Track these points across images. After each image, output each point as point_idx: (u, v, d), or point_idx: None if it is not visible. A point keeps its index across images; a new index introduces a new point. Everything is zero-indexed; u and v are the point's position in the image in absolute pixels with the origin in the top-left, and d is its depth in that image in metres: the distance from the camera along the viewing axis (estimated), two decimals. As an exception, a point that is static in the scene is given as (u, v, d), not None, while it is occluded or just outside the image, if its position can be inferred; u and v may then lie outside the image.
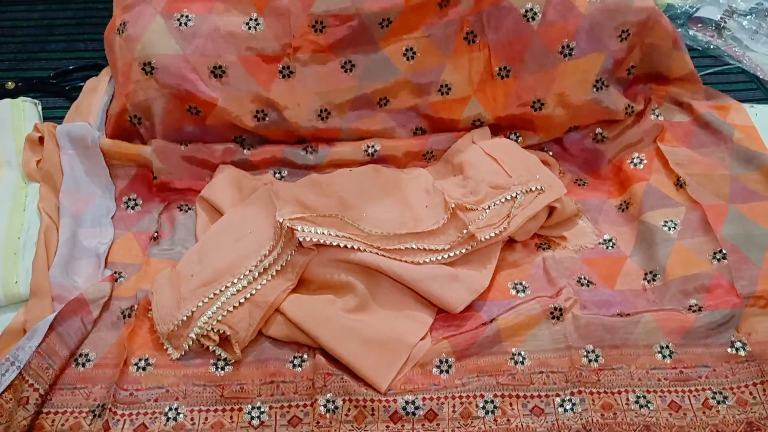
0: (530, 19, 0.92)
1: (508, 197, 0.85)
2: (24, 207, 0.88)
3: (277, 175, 0.95)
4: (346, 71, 0.93)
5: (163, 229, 0.90)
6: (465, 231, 0.81)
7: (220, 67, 0.90)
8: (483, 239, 0.81)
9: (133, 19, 0.90)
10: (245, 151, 0.95)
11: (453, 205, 0.83)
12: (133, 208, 0.92)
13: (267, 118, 0.93)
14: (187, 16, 0.89)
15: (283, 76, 0.92)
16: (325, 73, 0.93)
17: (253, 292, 0.77)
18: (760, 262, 0.82)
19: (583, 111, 0.97)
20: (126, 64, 0.91)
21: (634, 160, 0.97)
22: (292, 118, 0.93)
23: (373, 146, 0.96)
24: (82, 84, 1.05)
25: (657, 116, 0.99)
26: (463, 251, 0.81)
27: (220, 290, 0.77)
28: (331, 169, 0.94)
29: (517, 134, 0.99)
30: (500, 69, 0.95)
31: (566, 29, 0.92)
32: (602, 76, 0.95)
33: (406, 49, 0.93)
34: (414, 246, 0.81)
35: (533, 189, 0.86)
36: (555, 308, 0.78)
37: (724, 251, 0.83)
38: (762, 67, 1.17)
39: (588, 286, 0.83)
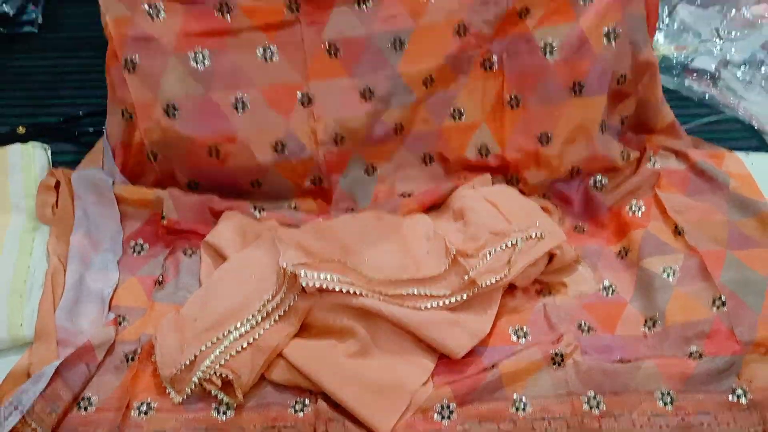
0: (547, 54, 0.94)
1: (509, 244, 0.86)
2: (31, 251, 0.89)
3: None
4: (365, 99, 0.95)
5: (168, 273, 0.91)
6: (466, 277, 0.82)
7: (242, 99, 0.91)
8: (484, 285, 0.82)
9: (143, 58, 0.91)
10: (256, 213, 0.96)
11: (454, 252, 0.83)
12: (139, 252, 0.93)
13: (285, 150, 0.94)
14: (202, 54, 0.90)
15: (303, 104, 0.94)
16: (344, 99, 0.94)
17: (256, 336, 0.77)
18: (758, 308, 0.82)
19: (587, 152, 0.98)
20: (145, 103, 0.92)
21: (633, 208, 0.98)
22: (310, 146, 0.95)
23: None
24: (90, 129, 1.07)
25: (654, 164, 1.01)
26: (464, 297, 0.82)
27: (224, 334, 0.77)
28: None
29: (518, 179, 1.01)
30: (511, 98, 0.97)
31: (580, 68, 0.94)
32: (605, 118, 0.98)
33: (426, 78, 0.95)
34: (415, 292, 0.81)
35: (533, 236, 0.87)
36: (556, 354, 0.78)
37: (724, 298, 0.83)
38: (757, 117, 1.19)
39: (588, 332, 0.84)
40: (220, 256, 0.90)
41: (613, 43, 0.94)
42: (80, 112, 1.13)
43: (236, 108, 0.91)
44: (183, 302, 0.85)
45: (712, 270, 0.86)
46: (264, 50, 0.92)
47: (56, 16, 1.37)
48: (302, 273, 0.77)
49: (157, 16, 0.90)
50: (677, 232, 0.92)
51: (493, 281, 0.82)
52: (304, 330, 0.81)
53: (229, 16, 0.90)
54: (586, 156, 0.99)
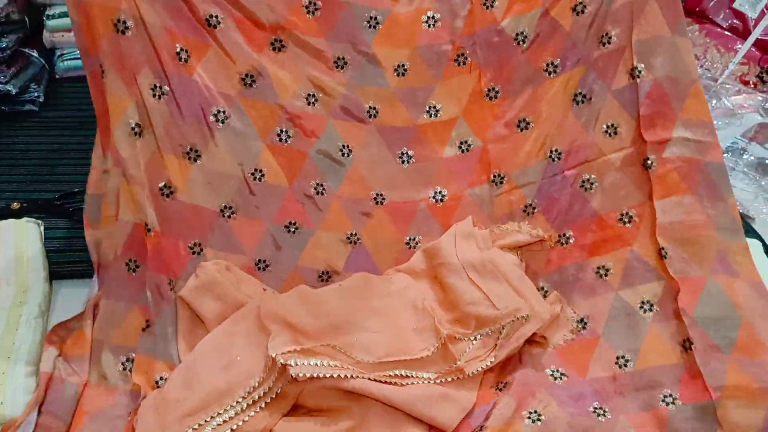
0: (520, 43, 0.95)
1: (494, 329, 0.85)
2: (17, 326, 0.88)
3: (259, 258, 0.95)
4: (338, 67, 0.95)
5: (154, 311, 0.88)
6: (454, 365, 0.82)
7: (216, 17, 0.90)
8: (470, 374, 0.82)
9: None
10: (228, 219, 0.93)
11: (445, 335, 0.84)
12: (134, 271, 0.89)
13: (254, 85, 0.93)
14: None
15: (274, 49, 0.93)
16: (317, 61, 0.94)
17: (240, 423, 0.75)
18: (728, 350, 0.80)
19: (563, 128, 0.97)
20: None
21: (624, 218, 0.93)
22: (280, 90, 0.93)
23: (355, 234, 0.97)
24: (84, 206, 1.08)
25: (650, 166, 0.91)
26: (448, 380, 0.82)
27: (206, 420, 0.75)
28: (311, 264, 0.95)
29: (502, 177, 0.99)
30: (489, 90, 0.97)
31: (552, 48, 0.95)
32: (583, 89, 0.96)
33: (398, 65, 0.96)
34: (403, 373, 0.81)
35: (519, 317, 0.86)
36: (531, 412, 0.78)
37: (692, 340, 0.81)
38: (741, 202, 1.22)
39: (561, 378, 0.83)
40: (197, 317, 0.88)
41: (584, 14, 0.94)
42: (76, 189, 1.14)
43: (209, 23, 0.89)
44: (162, 356, 0.84)
45: (689, 300, 0.83)
46: None
47: (57, 96, 1.41)
48: (292, 362, 0.76)
49: None
50: (662, 256, 0.88)
51: (480, 369, 0.83)
52: (295, 410, 0.79)
53: None
54: (564, 133, 0.97)
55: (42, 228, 1.04)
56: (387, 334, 0.86)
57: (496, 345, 0.84)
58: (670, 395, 0.79)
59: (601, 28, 0.94)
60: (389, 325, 0.87)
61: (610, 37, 0.94)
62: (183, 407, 0.76)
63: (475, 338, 0.85)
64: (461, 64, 0.97)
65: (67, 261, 1.01)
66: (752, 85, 1.51)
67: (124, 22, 0.85)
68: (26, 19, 1.38)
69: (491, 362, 0.83)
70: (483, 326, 0.85)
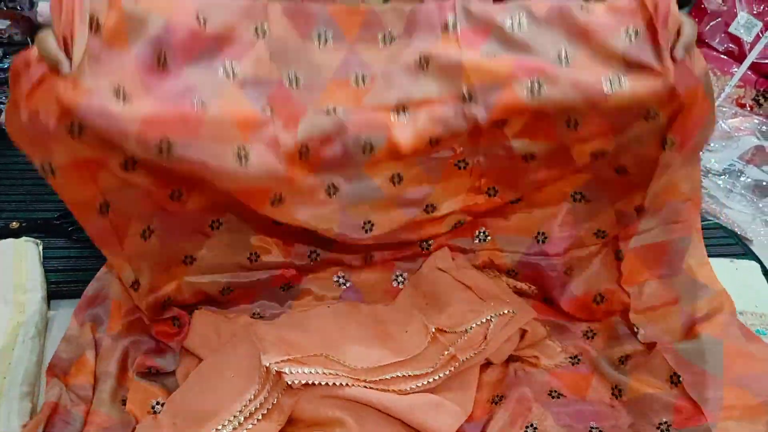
0: (528, 160, 0.91)
1: (483, 320, 0.87)
2: (14, 346, 0.88)
3: (256, 310, 0.96)
4: (330, 195, 0.89)
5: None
6: (446, 352, 0.83)
7: (218, 221, 0.90)
8: (464, 360, 0.83)
9: (95, 115, 0.70)
10: (227, 295, 0.94)
11: (433, 330, 0.85)
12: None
13: (258, 260, 0.94)
14: (168, 143, 0.72)
15: (273, 203, 0.85)
16: (310, 199, 0.88)
17: (239, 438, 0.75)
18: (720, 373, 0.80)
19: (555, 218, 0.97)
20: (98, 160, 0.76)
21: (597, 299, 0.96)
22: (278, 256, 0.95)
23: (343, 276, 0.99)
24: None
25: (620, 257, 0.95)
26: (446, 373, 0.82)
27: (205, 437, 0.75)
28: (302, 307, 0.97)
29: (486, 234, 1.00)
30: (489, 189, 0.96)
31: (561, 175, 0.93)
32: (584, 192, 0.95)
33: (394, 175, 0.91)
34: (399, 374, 0.81)
35: (506, 312, 0.88)
36: (529, 426, 0.79)
37: (679, 374, 0.82)
38: (739, 224, 1.22)
39: (559, 398, 0.84)
40: (195, 356, 0.88)
41: (603, 158, 0.89)
42: (75, 209, 1.15)
43: (212, 226, 0.90)
44: (158, 384, 0.84)
45: (665, 351, 0.85)
46: (239, 149, 0.77)
47: (59, 116, 1.42)
48: (287, 370, 0.76)
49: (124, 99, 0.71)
50: (634, 333, 0.92)
51: (473, 355, 0.83)
52: (291, 424, 0.79)
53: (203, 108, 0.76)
54: (554, 222, 0.97)
55: (41, 247, 1.05)
56: (378, 341, 0.87)
57: (485, 337, 0.86)
58: (665, 422, 0.79)
59: (619, 162, 0.90)
60: (380, 333, 0.88)
61: (626, 170, 0.90)
62: (180, 427, 0.76)
63: (466, 331, 0.86)
64: (461, 167, 0.93)
65: (65, 281, 1.00)
66: (748, 108, 1.53)
67: (107, 204, 0.79)
68: (29, 40, 1.39)
69: (484, 348, 0.84)
70: (471, 317, 0.87)
